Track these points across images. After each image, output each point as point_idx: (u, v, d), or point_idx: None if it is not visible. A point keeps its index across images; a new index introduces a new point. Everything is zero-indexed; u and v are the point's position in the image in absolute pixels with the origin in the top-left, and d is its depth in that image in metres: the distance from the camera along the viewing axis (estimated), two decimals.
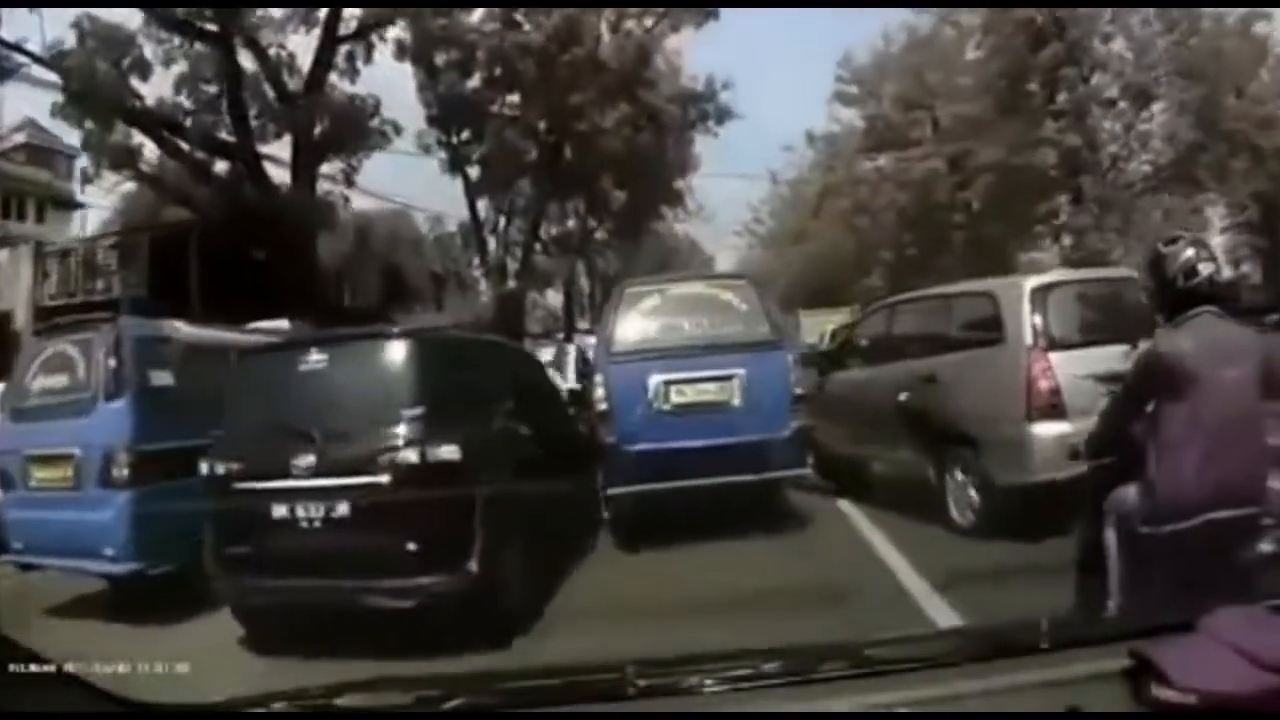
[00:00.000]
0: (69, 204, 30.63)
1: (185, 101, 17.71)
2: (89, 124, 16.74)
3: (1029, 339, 6.89)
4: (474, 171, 25.33)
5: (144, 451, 6.31)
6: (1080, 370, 6.66)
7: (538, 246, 29.65)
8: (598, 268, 41.53)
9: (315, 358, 5.79)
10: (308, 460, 5.31)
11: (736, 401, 7.53)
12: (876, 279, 32.24)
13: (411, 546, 5.15)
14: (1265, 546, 3.35)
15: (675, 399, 7.54)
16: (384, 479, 5.23)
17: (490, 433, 6.05)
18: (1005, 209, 27.25)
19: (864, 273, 34.62)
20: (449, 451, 5.30)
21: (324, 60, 18.02)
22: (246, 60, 17.44)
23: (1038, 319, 6.94)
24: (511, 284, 24.66)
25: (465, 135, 24.69)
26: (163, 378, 6.66)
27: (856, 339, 9.88)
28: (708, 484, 7.31)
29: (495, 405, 6.45)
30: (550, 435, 7.26)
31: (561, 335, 31.56)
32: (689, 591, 5.77)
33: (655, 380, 7.54)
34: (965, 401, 7.23)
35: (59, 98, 16.35)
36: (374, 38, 19.44)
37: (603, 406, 7.66)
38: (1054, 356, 6.78)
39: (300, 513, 5.29)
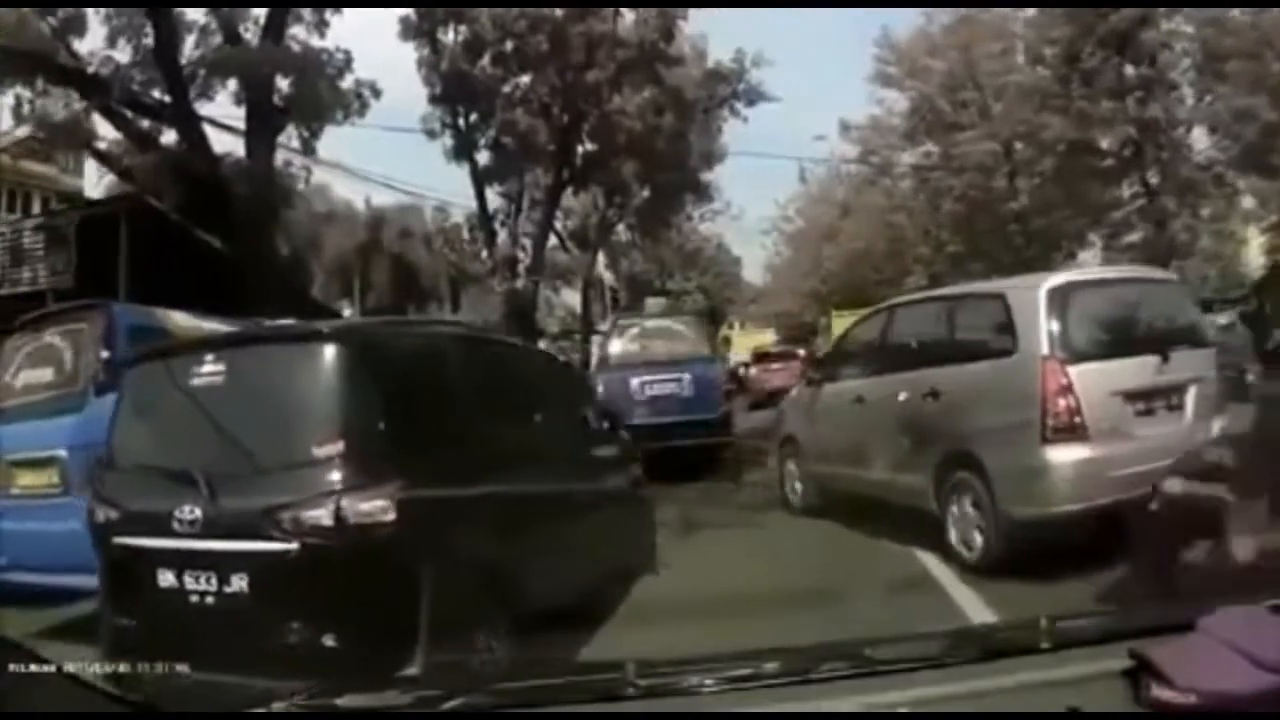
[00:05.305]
0: (76, 199, 30.97)
1: (118, 56, 16.24)
2: (22, 90, 15.75)
3: (1044, 349, 6.53)
4: (483, 157, 25.43)
5: None
6: (1105, 386, 6.45)
7: (553, 240, 29.80)
8: (622, 268, 41.80)
9: (209, 369, 4.65)
10: (192, 513, 4.30)
11: (686, 394, 12.84)
12: (921, 278, 32.26)
13: (329, 641, 4.09)
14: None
15: (648, 392, 12.75)
16: (289, 545, 4.18)
17: (453, 472, 4.71)
18: (1066, 196, 27.07)
19: (904, 271, 34.64)
20: (378, 508, 4.21)
21: (283, 6, 16.57)
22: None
23: (1055, 325, 6.59)
24: (522, 279, 24.73)
25: (473, 117, 24.78)
26: None
27: (849, 346, 9.74)
28: (668, 446, 10.76)
29: (468, 431, 5.17)
30: (563, 458, 6.36)
31: (579, 335, 31.77)
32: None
33: (635, 381, 12.86)
34: (972, 421, 6.93)
35: None
36: None
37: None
38: (1074, 370, 6.43)
39: (189, 582, 4.30)
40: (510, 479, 5.20)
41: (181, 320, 6.92)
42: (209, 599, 4.26)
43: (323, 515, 4.16)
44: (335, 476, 4.25)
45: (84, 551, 5.67)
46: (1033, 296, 6.78)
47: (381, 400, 4.55)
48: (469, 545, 4.70)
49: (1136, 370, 6.62)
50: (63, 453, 6.27)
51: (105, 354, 6.36)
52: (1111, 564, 5.44)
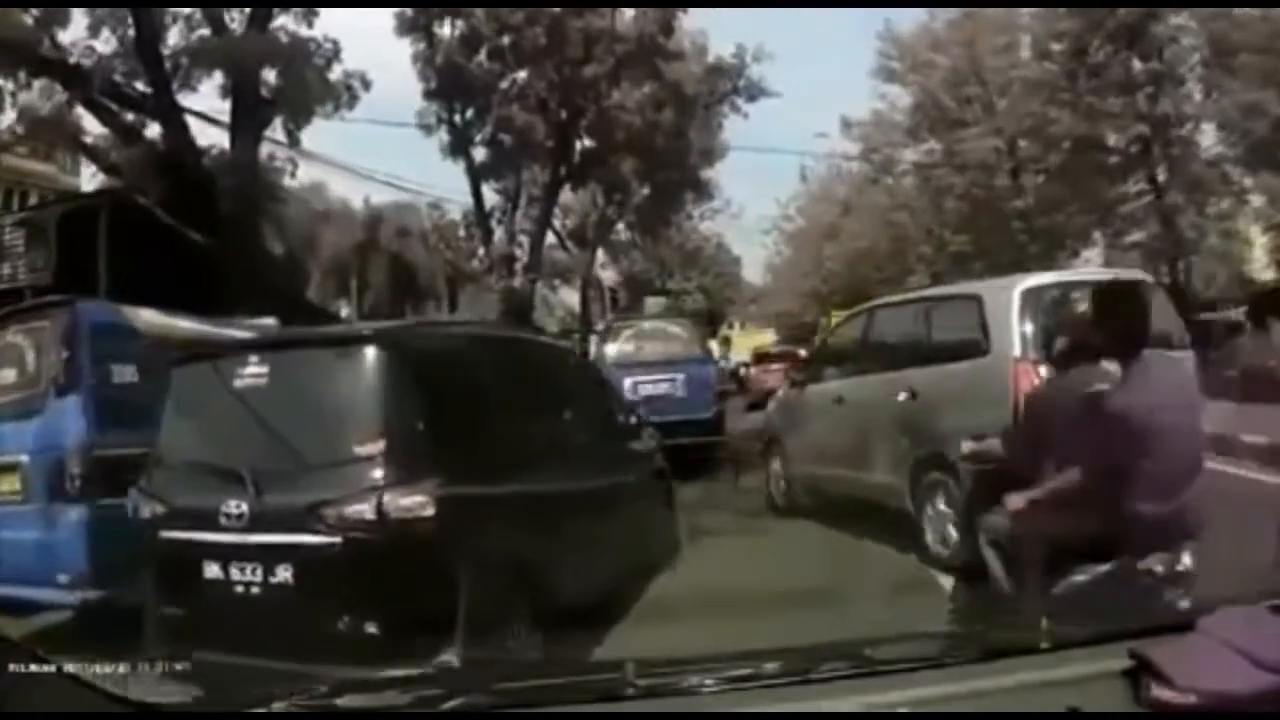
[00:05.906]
0: (67, 196, 30.74)
1: (100, 46, 15.99)
2: (4, 82, 15.46)
3: (1016, 350, 6.63)
4: (479, 153, 25.39)
5: (104, 457, 5.72)
6: None
7: (552, 239, 29.81)
8: (621, 267, 41.87)
9: (253, 370, 4.92)
10: (239, 508, 4.55)
11: (679, 394, 13.27)
12: (923, 277, 32.28)
13: (371, 629, 4.33)
14: None
15: (642, 392, 12.64)
16: (332, 539, 4.42)
17: (488, 470, 4.95)
18: (1072, 193, 27.06)
19: (907, 270, 34.68)
20: (418, 504, 4.44)
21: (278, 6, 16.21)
22: None
23: (1028, 327, 6.67)
24: (519, 278, 24.72)
25: (469, 113, 24.75)
26: (127, 373, 6.16)
27: (831, 347, 10.07)
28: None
29: (503, 429, 5.40)
30: (594, 454, 6.61)
31: (577, 335, 31.84)
32: None
33: (630, 381, 12.78)
34: (946, 421, 6.98)
35: None
36: None
37: None
38: (1046, 371, 6.30)
39: (235, 574, 4.55)
40: (544, 475, 5.48)
41: (151, 318, 6.70)
42: (254, 590, 4.51)
43: (365, 510, 4.40)
44: (377, 474, 4.49)
45: (42, 563, 5.70)
46: (1006, 298, 6.91)
47: (421, 400, 4.80)
48: (505, 540, 4.92)
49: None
50: (24, 458, 6.03)
51: (65, 354, 6.11)
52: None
